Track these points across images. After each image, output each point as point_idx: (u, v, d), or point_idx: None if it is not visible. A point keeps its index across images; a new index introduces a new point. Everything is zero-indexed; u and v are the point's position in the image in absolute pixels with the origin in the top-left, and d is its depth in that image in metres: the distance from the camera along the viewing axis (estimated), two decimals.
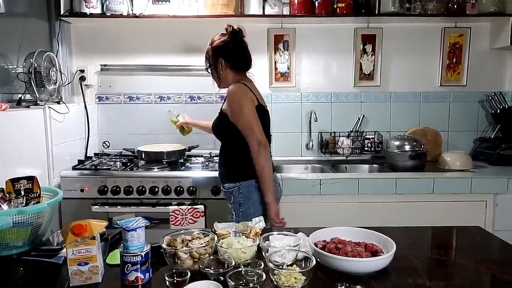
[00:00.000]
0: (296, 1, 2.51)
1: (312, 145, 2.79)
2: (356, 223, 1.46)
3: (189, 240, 1.15)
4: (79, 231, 1.02)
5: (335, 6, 2.53)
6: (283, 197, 2.19)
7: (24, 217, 1.21)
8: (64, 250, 1.15)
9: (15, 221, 1.19)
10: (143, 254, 1.03)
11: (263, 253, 1.14)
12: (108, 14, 2.44)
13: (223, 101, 1.90)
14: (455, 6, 2.55)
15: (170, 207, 2.12)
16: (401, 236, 1.35)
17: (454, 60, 2.77)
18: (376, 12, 2.50)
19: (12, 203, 1.30)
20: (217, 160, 2.01)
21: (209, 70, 1.89)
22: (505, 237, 1.87)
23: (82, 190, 2.18)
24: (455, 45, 2.76)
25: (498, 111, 2.70)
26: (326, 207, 2.20)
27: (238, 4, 2.50)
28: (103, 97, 2.77)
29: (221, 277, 1.01)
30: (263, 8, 2.52)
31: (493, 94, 2.73)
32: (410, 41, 2.76)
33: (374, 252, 1.14)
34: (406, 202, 2.22)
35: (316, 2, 2.51)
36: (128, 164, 2.35)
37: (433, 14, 2.55)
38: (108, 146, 2.75)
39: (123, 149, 2.66)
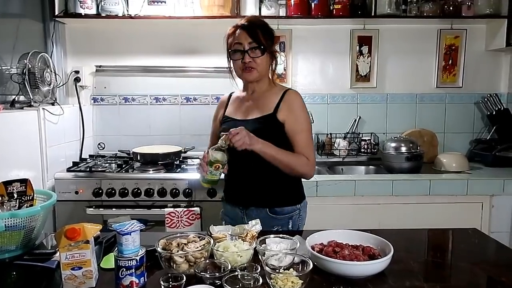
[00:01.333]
0: (292, 3, 2.50)
1: None
2: (353, 225, 1.45)
3: (185, 244, 1.14)
4: (73, 235, 1.01)
5: (331, 8, 2.53)
6: None
7: (17, 221, 1.19)
8: (57, 254, 1.13)
9: (8, 224, 1.17)
10: (138, 258, 1.02)
11: (260, 257, 1.13)
12: (103, 14, 2.42)
13: (276, 108, 1.54)
14: (451, 8, 2.56)
15: (166, 209, 2.10)
16: (398, 239, 1.34)
17: (450, 61, 2.78)
18: (372, 14, 2.50)
19: (4, 206, 1.28)
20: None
21: (259, 55, 1.50)
22: (501, 238, 1.87)
23: (76, 192, 2.16)
24: (451, 47, 2.76)
25: (494, 113, 2.71)
26: (322, 208, 2.19)
27: (234, 5, 2.49)
28: (98, 98, 2.75)
29: (217, 281, 1.00)
30: (260, 9, 2.52)
31: (488, 95, 2.74)
32: (406, 42, 2.76)
33: (371, 255, 1.13)
34: (403, 204, 2.21)
35: (313, 4, 2.50)
36: (123, 166, 2.34)
37: (429, 16, 2.56)
38: (103, 148, 2.74)
39: (119, 151, 2.64)
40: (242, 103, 1.64)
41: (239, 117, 1.60)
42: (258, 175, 1.54)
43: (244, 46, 1.50)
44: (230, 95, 1.73)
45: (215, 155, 1.41)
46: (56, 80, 2.30)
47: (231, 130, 1.39)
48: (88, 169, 2.24)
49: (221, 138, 1.40)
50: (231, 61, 1.57)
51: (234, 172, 1.56)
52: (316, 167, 2.63)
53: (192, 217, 2.09)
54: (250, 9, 2.47)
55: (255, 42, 1.50)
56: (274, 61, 1.59)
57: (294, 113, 1.53)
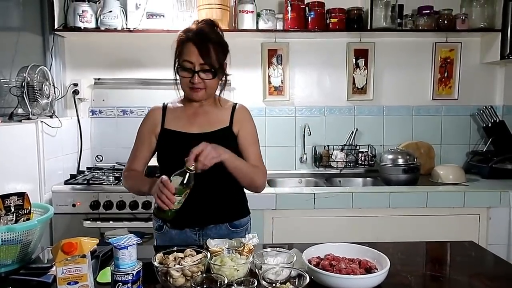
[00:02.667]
0: (289, 16, 2.53)
1: (306, 158, 2.79)
2: (350, 237, 1.46)
3: (182, 258, 1.13)
4: (70, 249, 1.01)
5: (327, 22, 2.57)
6: (277, 212, 2.19)
7: (13, 235, 1.19)
8: (54, 268, 1.13)
9: (4, 238, 1.17)
10: (134, 272, 1.02)
11: (257, 271, 1.13)
12: (102, 28, 2.44)
13: (231, 121, 1.52)
14: (446, 22, 2.59)
15: None
16: (395, 252, 1.35)
17: (446, 74, 2.81)
18: (368, 28, 2.54)
19: (1, 220, 1.27)
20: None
21: (210, 77, 1.42)
22: (499, 250, 1.88)
23: (74, 205, 2.15)
24: (446, 60, 2.80)
25: (490, 125, 2.73)
26: (320, 221, 2.19)
27: (232, 19, 2.53)
28: (96, 111, 2.76)
29: None
30: (257, 23, 2.55)
31: (484, 108, 2.77)
32: (402, 55, 2.79)
33: (368, 268, 1.13)
34: (400, 216, 2.22)
35: (309, 18, 2.54)
36: (121, 178, 2.33)
37: (424, 30, 2.60)
38: (101, 160, 2.74)
39: (116, 163, 2.64)
40: (190, 116, 1.52)
41: (194, 130, 1.49)
42: (214, 190, 1.46)
43: (195, 66, 1.39)
44: (165, 107, 1.56)
45: (185, 181, 1.26)
46: (55, 93, 2.31)
47: (192, 150, 1.27)
48: (85, 182, 2.24)
49: (188, 160, 1.26)
50: (178, 73, 1.45)
51: None
52: (313, 179, 2.68)
53: None
54: (247, 23, 2.50)
55: (206, 64, 1.39)
56: (224, 77, 1.50)
57: (246, 126, 1.53)
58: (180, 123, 1.51)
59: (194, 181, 1.28)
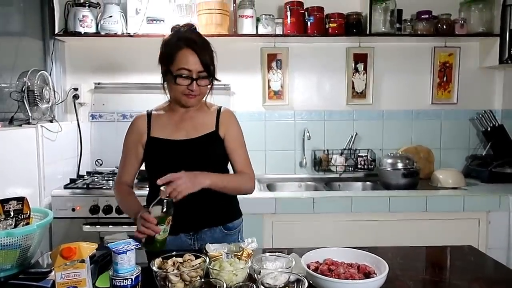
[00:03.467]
0: (289, 21, 2.55)
1: (306, 162, 2.80)
2: (350, 241, 1.45)
3: (180, 263, 1.14)
4: (68, 254, 1.01)
5: (327, 26, 2.58)
6: (277, 216, 2.19)
7: (12, 239, 1.19)
8: (52, 273, 1.13)
9: (4, 243, 1.17)
10: (133, 277, 1.02)
11: (255, 275, 1.13)
12: (102, 33, 2.46)
13: (216, 125, 1.54)
14: (444, 27, 2.61)
15: None
16: (394, 256, 1.35)
17: (445, 78, 2.82)
18: (367, 32, 2.55)
19: (1, 224, 1.28)
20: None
21: (207, 84, 1.45)
22: (499, 254, 1.88)
23: (73, 210, 2.15)
24: (445, 64, 2.81)
25: (489, 129, 2.74)
26: (319, 225, 2.19)
27: (232, 23, 2.54)
28: (96, 115, 2.77)
29: None
30: (257, 27, 2.56)
31: (483, 112, 2.77)
32: (401, 60, 2.80)
33: (367, 273, 1.13)
34: (399, 220, 2.22)
35: (309, 22, 2.55)
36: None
37: (423, 34, 2.61)
38: (101, 165, 2.74)
39: (116, 167, 2.62)
40: (176, 122, 1.52)
41: (181, 137, 1.49)
42: (207, 194, 1.41)
43: (193, 74, 1.39)
44: (149, 115, 1.55)
45: (165, 209, 1.25)
46: (55, 98, 2.32)
47: (167, 176, 1.27)
48: (85, 186, 2.24)
49: (162, 189, 1.25)
50: (171, 80, 1.42)
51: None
52: (313, 183, 2.68)
53: None
54: (247, 27, 2.51)
55: (206, 71, 1.40)
56: (216, 81, 1.48)
57: (232, 130, 1.54)
58: (166, 130, 1.51)
59: (174, 206, 1.27)
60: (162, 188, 1.26)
